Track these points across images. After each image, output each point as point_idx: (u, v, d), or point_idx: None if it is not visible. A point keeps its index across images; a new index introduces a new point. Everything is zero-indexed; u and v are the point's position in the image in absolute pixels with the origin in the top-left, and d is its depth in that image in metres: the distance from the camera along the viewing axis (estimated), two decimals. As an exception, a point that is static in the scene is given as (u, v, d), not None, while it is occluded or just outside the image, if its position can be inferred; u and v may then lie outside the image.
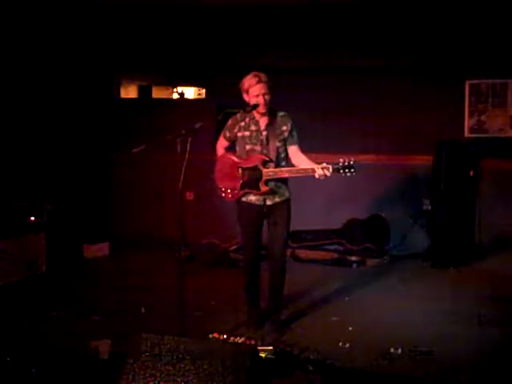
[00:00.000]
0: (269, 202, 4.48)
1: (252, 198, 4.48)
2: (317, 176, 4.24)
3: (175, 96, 8.24)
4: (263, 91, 4.34)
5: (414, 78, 7.03)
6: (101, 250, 7.04)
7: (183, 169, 4.07)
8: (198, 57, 7.65)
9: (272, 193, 4.45)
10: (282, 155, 4.49)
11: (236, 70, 7.57)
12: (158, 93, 8.42)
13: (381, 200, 7.03)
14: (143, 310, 4.96)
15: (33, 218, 5.97)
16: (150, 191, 7.56)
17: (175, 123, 4.94)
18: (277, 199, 4.49)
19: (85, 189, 7.42)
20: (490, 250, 6.43)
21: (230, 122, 4.59)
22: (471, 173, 6.58)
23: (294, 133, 4.48)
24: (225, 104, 6.63)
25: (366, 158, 7.05)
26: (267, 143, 4.43)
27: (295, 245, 6.92)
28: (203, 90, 8.24)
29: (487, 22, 6.60)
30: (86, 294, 5.45)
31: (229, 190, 4.52)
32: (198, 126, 4.21)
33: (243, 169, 4.45)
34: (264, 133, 4.46)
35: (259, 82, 4.33)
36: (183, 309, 4.13)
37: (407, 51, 6.93)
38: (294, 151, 4.48)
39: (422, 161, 6.91)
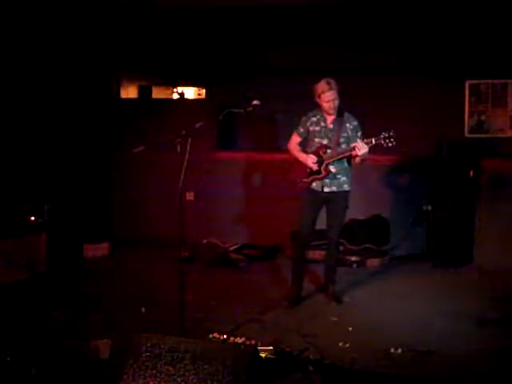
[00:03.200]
0: (326, 189, 5.07)
1: (314, 184, 5.10)
2: (357, 151, 4.81)
3: (175, 96, 8.25)
4: (333, 97, 4.94)
5: (413, 78, 7.02)
6: (101, 250, 7.03)
7: (183, 169, 4.07)
8: (198, 57, 7.65)
9: (331, 179, 5.04)
10: None
11: (236, 71, 7.66)
12: (158, 93, 8.42)
13: (381, 200, 7.03)
14: (143, 310, 4.96)
15: (33, 218, 5.96)
16: (150, 191, 7.56)
17: (175, 123, 4.94)
18: (334, 188, 5.08)
19: (85, 189, 7.43)
20: (490, 249, 6.42)
21: (303, 118, 5.18)
22: (471, 173, 6.58)
23: (359, 132, 5.08)
24: (225, 104, 6.63)
25: (366, 158, 7.05)
26: (332, 137, 5.03)
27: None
28: (203, 90, 8.25)
29: (487, 23, 6.61)
30: (86, 294, 5.44)
31: (304, 180, 5.10)
32: (198, 126, 4.22)
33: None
34: (330, 128, 5.06)
35: (330, 89, 4.92)
36: (183, 309, 4.13)
37: (407, 51, 6.93)
38: None
39: (422, 161, 6.91)
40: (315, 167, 5.05)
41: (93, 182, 7.57)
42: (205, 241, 7.07)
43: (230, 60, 7.61)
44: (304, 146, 5.23)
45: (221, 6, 7.01)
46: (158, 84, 8.43)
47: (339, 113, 5.06)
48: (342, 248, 6.92)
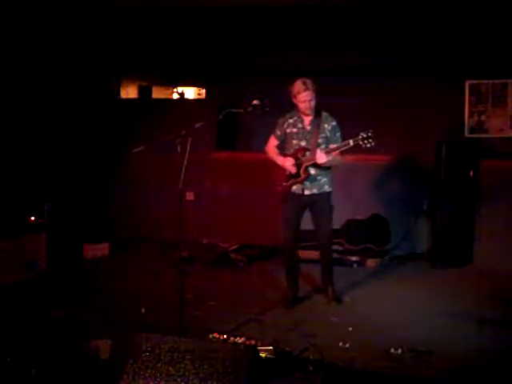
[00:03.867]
0: (307, 192, 4.98)
1: (294, 187, 5.00)
2: (317, 160, 4.77)
3: (175, 96, 8.25)
4: (309, 97, 4.84)
5: (413, 78, 7.02)
6: (101, 250, 7.03)
7: (183, 169, 4.08)
8: (198, 57, 7.65)
9: (311, 181, 4.94)
10: None
11: (236, 70, 7.66)
12: (158, 93, 8.42)
13: (381, 200, 7.03)
14: (143, 310, 4.96)
15: (33, 218, 5.97)
16: (150, 191, 7.56)
17: (175, 123, 4.94)
18: (314, 190, 4.99)
19: (85, 189, 7.42)
20: (490, 249, 6.43)
21: (280, 120, 5.09)
22: (471, 173, 6.58)
23: (337, 133, 4.99)
24: (225, 104, 6.64)
25: (366, 158, 7.06)
26: (310, 138, 4.93)
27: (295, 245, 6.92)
28: (203, 90, 8.25)
29: (487, 23, 6.60)
30: (86, 294, 5.44)
31: (284, 184, 5.02)
32: (198, 126, 4.22)
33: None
34: (308, 129, 4.97)
35: (306, 89, 4.82)
36: (183, 308, 4.13)
37: (407, 51, 6.93)
38: None
39: (422, 161, 6.91)
40: (294, 170, 4.95)
41: (93, 182, 7.57)
42: (205, 241, 7.07)
43: (230, 60, 7.61)
44: (282, 148, 5.15)
45: (221, 6, 7.00)
46: (158, 84, 8.43)
47: (317, 113, 4.97)
48: (341, 248, 6.94)
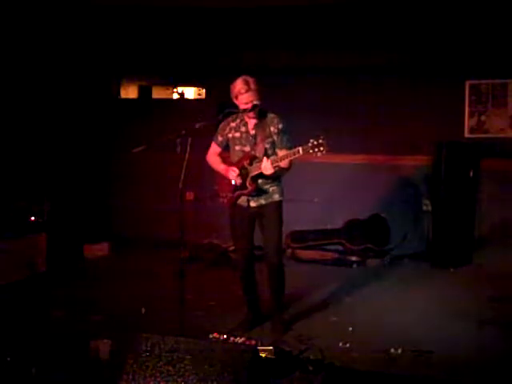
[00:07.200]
0: (253, 204, 4.45)
1: (240, 200, 4.48)
2: (263, 170, 4.22)
3: (175, 96, 8.25)
4: (252, 99, 4.30)
5: (414, 78, 7.03)
6: (101, 249, 7.04)
7: (183, 169, 4.07)
8: (197, 57, 7.65)
9: (257, 193, 4.41)
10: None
11: (236, 70, 7.64)
12: (158, 93, 8.42)
13: (381, 200, 7.03)
14: (143, 310, 4.96)
15: (33, 218, 5.97)
16: (150, 191, 7.56)
17: (175, 123, 4.93)
18: (262, 201, 4.45)
19: (85, 189, 7.43)
20: (490, 250, 6.43)
21: (221, 125, 4.58)
22: (471, 173, 6.58)
23: (285, 137, 4.40)
24: (225, 104, 6.63)
25: (366, 158, 7.06)
26: (255, 144, 4.40)
27: (295, 245, 6.92)
28: (203, 90, 8.25)
29: (487, 23, 6.60)
30: (86, 294, 5.44)
31: (228, 195, 4.52)
32: (198, 125, 4.21)
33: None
34: (252, 133, 4.44)
35: (248, 90, 4.29)
36: (183, 309, 4.13)
37: (407, 51, 6.93)
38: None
39: (422, 161, 6.92)
40: (239, 181, 4.41)
41: (93, 182, 7.57)
42: (205, 241, 7.07)
43: (230, 60, 7.61)
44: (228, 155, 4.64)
45: (221, 6, 7.01)
46: (158, 84, 8.43)
47: (262, 115, 4.41)
48: (342, 248, 6.94)
